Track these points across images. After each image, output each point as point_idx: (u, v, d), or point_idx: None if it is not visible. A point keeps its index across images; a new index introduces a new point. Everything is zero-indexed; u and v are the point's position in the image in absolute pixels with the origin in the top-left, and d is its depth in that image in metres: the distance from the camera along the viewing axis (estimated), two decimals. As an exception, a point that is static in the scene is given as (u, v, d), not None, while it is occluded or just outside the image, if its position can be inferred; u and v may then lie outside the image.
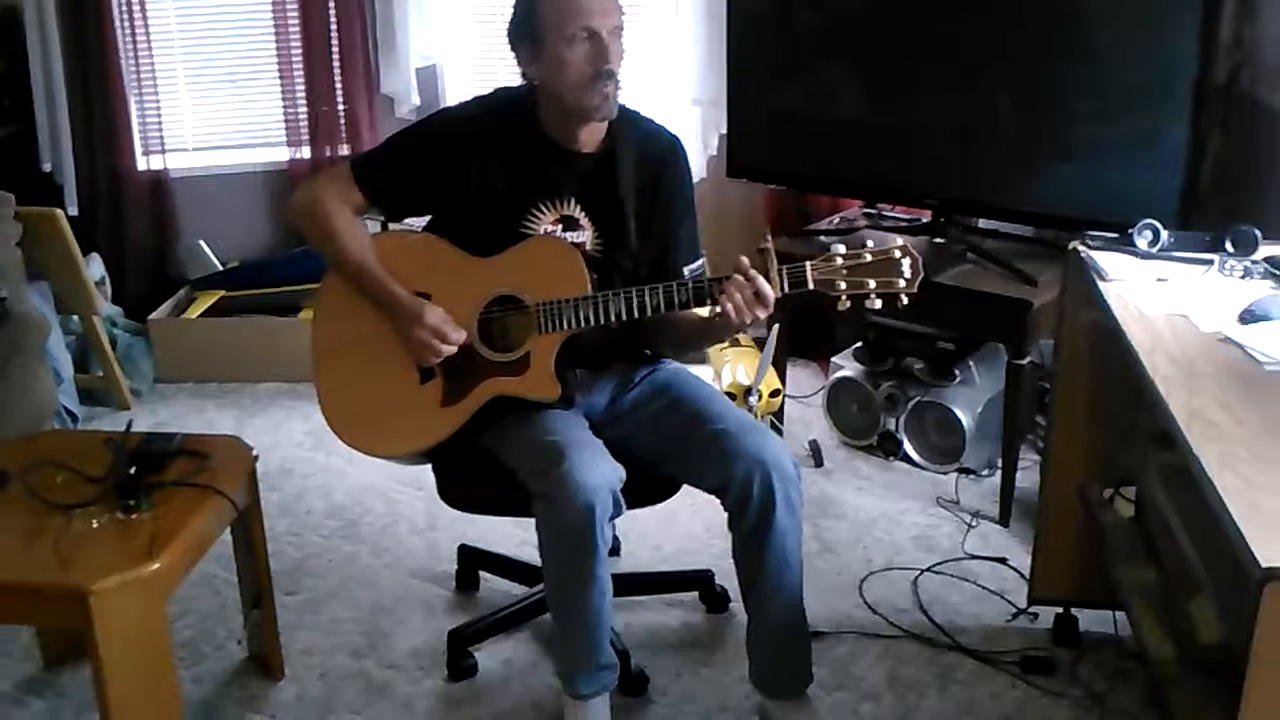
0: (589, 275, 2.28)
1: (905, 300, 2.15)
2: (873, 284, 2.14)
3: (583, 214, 2.38)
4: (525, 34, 2.26)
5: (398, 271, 2.35)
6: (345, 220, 2.37)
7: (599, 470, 2.18)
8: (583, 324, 2.25)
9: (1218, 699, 1.88)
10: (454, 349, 2.30)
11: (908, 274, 2.14)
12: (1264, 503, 1.52)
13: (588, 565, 2.21)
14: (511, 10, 2.29)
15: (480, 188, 2.33)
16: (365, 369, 2.39)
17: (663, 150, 2.42)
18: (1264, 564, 1.39)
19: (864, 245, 2.17)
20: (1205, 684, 1.95)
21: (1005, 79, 3.12)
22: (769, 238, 2.20)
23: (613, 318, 2.24)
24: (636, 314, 2.22)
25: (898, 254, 2.14)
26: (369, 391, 2.39)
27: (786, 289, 2.16)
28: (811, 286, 2.15)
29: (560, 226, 2.37)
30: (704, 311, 2.24)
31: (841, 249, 2.15)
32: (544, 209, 2.36)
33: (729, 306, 2.15)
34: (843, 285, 2.14)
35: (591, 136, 2.34)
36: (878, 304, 2.15)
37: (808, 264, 2.15)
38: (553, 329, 2.27)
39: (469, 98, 2.47)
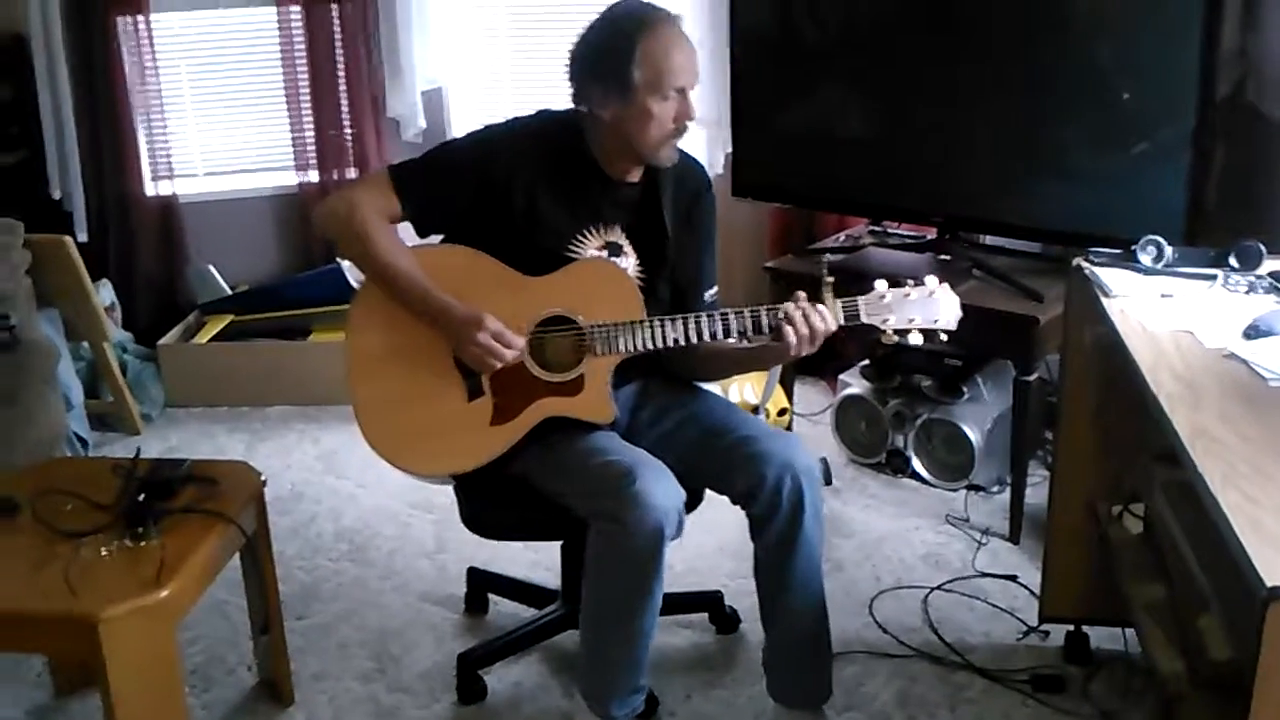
0: (642, 299, 2.30)
1: (944, 337, 2.25)
2: (918, 319, 2.23)
3: (627, 241, 2.40)
4: (611, 78, 2.25)
5: (442, 285, 2.29)
6: (385, 230, 2.31)
7: (667, 491, 2.19)
8: (639, 348, 2.27)
9: (1227, 717, 1.88)
10: (516, 355, 2.27)
11: (947, 310, 2.24)
12: (1267, 520, 1.51)
13: (649, 587, 2.23)
14: (585, 43, 2.29)
15: (526, 211, 2.32)
16: (409, 385, 2.34)
17: (698, 181, 2.48)
18: (1268, 583, 1.39)
19: (905, 283, 2.25)
20: (1214, 701, 1.94)
21: (1009, 95, 3.12)
22: (828, 271, 2.24)
23: (669, 343, 2.26)
24: (694, 340, 2.25)
25: (937, 291, 2.24)
26: (414, 409, 2.34)
27: (843, 320, 2.23)
28: (864, 320, 2.22)
29: (606, 252, 2.38)
30: (759, 340, 2.28)
31: (884, 284, 2.23)
32: (590, 234, 2.37)
33: (791, 338, 2.19)
34: (891, 319, 2.22)
35: (636, 166, 2.37)
36: (919, 340, 2.23)
37: (860, 300, 2.22)
38: (609, 351, 2.28)
39: (510, 117, 2.41)
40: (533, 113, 2.41)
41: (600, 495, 2.20)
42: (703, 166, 2.52)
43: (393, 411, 2.35)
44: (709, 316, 2.24)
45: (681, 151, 2.42)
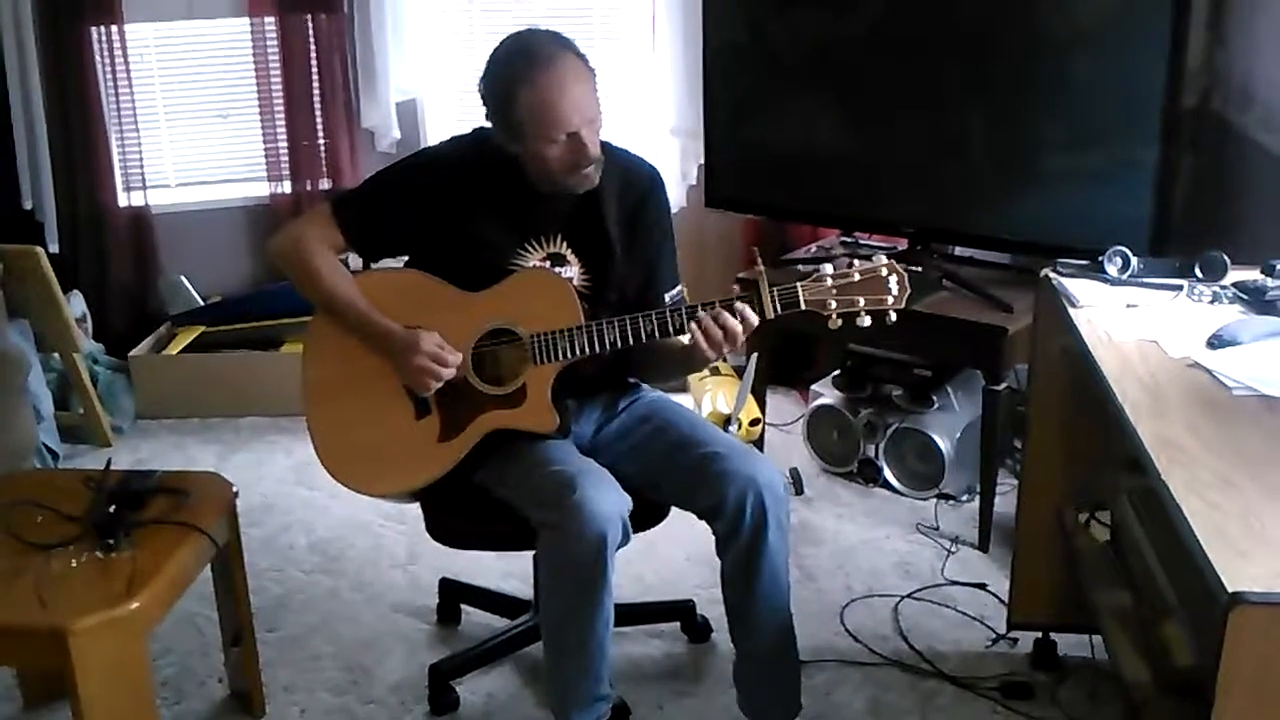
0: (580, 306, 2.30)
1: (894, 316, 2.19)
2: (862, 301, 2.18)
3: (569, 251, 2.40)
4: (499, 121, 2.27)
5: (385, 308, 2.35)
6: (328, 261, 2.38)
7: (610, 499, 2.19)
8: (578, 354, 2.27)
9: (1192, 722, 1.90)
10: (453, 372, 2.30)
11: (895, 290, 2.19)
12: (1229, 527, 1.53)
13: (596, 595, 2.22)
14: (481, 82, 2.28)
15: (467, 229, 2.34)
16: (359, 409, 2.39)
17: (643, 181, 2.46)
18: (1230, 588, 1.40)
19: (851, 265, 2.21)
20: (1178, 707, 1.96)
21: (979, 109, 3.15)
22: (760, 262, 2.22)
23: (607, 346, 2.25)
24: (630, 341, 2.24)
25: (885, 271, 2.19)
26: (364, 431, 2.38)
27: (780, 310, 2.19)
28: (804, 307, 2.19)
29: (549, 263, 2.39)
30: (686, 339, 2.26)
31: (830, 269, 2.19)
32: (531, 247, 2.38)
33: (699, 337, 2.19)
34: (833, 304, 2.18)
35: None
36: (867, 321, 2.18)
37: (799, 285, 2.19)
38: (548, 360, 2.28)
39: (448, 138, 2.48)
40: (469, 131, 2.42)
41: (544, 505, 2.22)
42: (650, 165, 2.49)
43: (345, 435, 2.39)
44: (644, 317, 2.23)
45: (625, 153, 2.45)
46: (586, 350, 2.26)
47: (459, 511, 2.44)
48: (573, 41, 2.26)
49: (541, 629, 2.39)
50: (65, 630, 2.00)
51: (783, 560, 2.32)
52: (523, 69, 2.21)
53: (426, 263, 2.41)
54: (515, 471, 2.32)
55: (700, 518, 2.35)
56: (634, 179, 2.44)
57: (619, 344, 2.25)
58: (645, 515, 2.41)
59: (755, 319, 2.19)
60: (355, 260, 2.54)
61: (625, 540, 2.21)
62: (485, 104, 2.29)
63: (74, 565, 2.17)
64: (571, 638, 2.28)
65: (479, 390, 2.33)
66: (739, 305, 2.19)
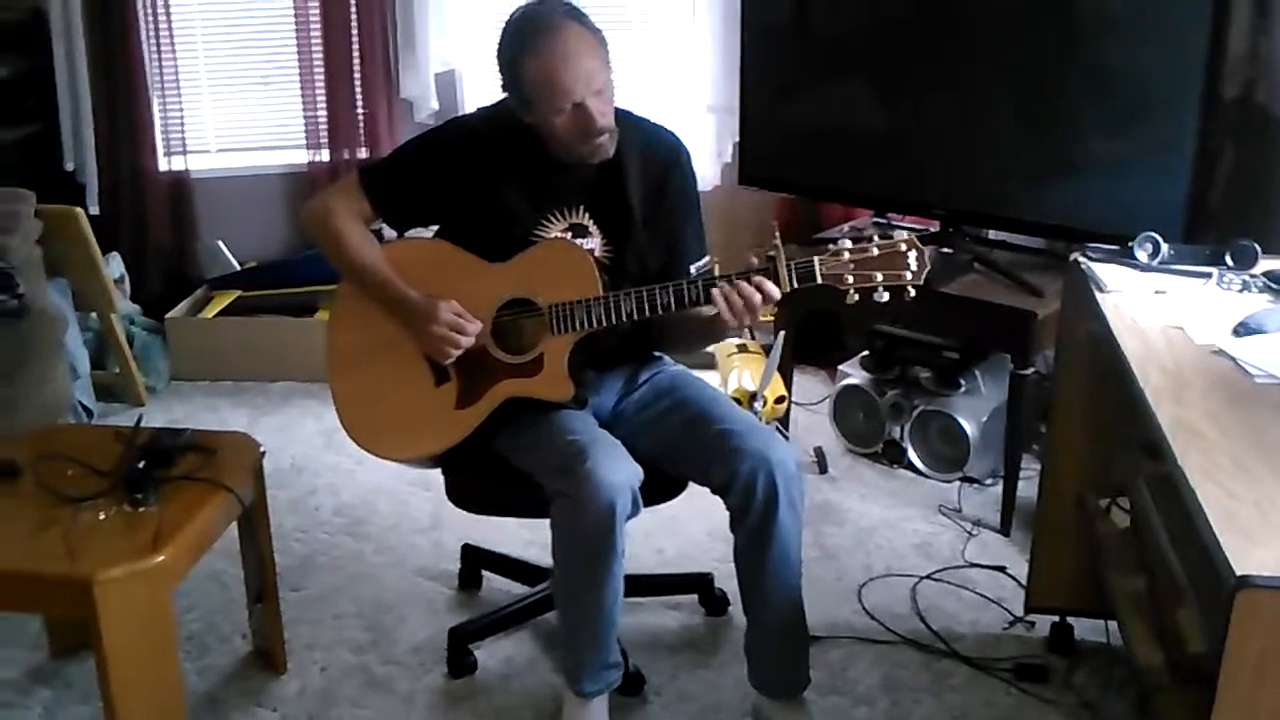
0: (599, 277, 2.31)
1: (912, 292, 2.17)
2: (880, 277, 2.16)
3: (591, 221, 2.41)
4: (512, 92, 2.29)
5: (409, 277, 2.38)
6: (355, 229, 2.40)
7: (621, 469, 2.21)
8: (595, 324, 2.28)
9: (1202, 708, 1.89)
10: (471, 341, 2.32)
11: (914, 266, 2.16)
12: (1243, 513, 1.53)
13: (605, 563, 2.24)
14: (496, 54, 2.29)
15: (490, 199, 2.36)
16: (381, 374, 2.42)
17: (667, 153, 2.45)
18: (1238, 571, 1.41)
19: (871, 239, 2.19)
20: (1191, 692, 1.96)
21: (1015, 91, 3.14)
22: (778, 236, 2.22)
23: (624, 317, 2.26)
24: (648, 313, 2.25)
25: (904, 247, 2.16)
26: (385, 397, 2.42)
27: (796, 284, 2.18)
28: (820, 280, 2.18)
29: (570, 234, 2.40)
30: (709, 309, 2.26)
31: (848, 243, 2.18)
32: (554, 218, 2.39)
33: (721, 305, 2.19)
34: (850, 279, 2.17)
35: None
36: (885, 296, 2.17)
37: (815, 259, 2.17)
38: (566, 330, 2.30)
39: (476, 109, 2.51)
40: (494, 102, 2.42)
41: (556, 473, 2.24)
42: (675, 137, 2.48)
43: (366, 401, 2.43)
44: (661, 288, 2.23)
45: (651, 124, 2.45)
46: (604, 321, 2.27)
47: (479, 478, 2.47)
48: (582, 12, 2.26)
49: (554, 596, 2.42)
50: (91, 580, 2.04)
51: (794, 538, 2.33)
52: (529, 39, 2.22)
53: (454, 232, 2.43)
54: (531, 440, 2.35)
55: (714, 493, 2.36)
56: (658, 151, 2.44)
57: (636, 315, 2.25)
58: (662, 488, 2.43)
59: (776, 291, 2.18)
60: (389, 231, 2.57)
61: (635, 511, 2.23)
62: (500, 75, 2.30)
63: (102, 518, 2.21)
64: (582, 605, 2.31)
65: (497, 359, 2.36)
66: (757, 277, 2.18)
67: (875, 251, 2.17)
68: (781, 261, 2.18)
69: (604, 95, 2.25)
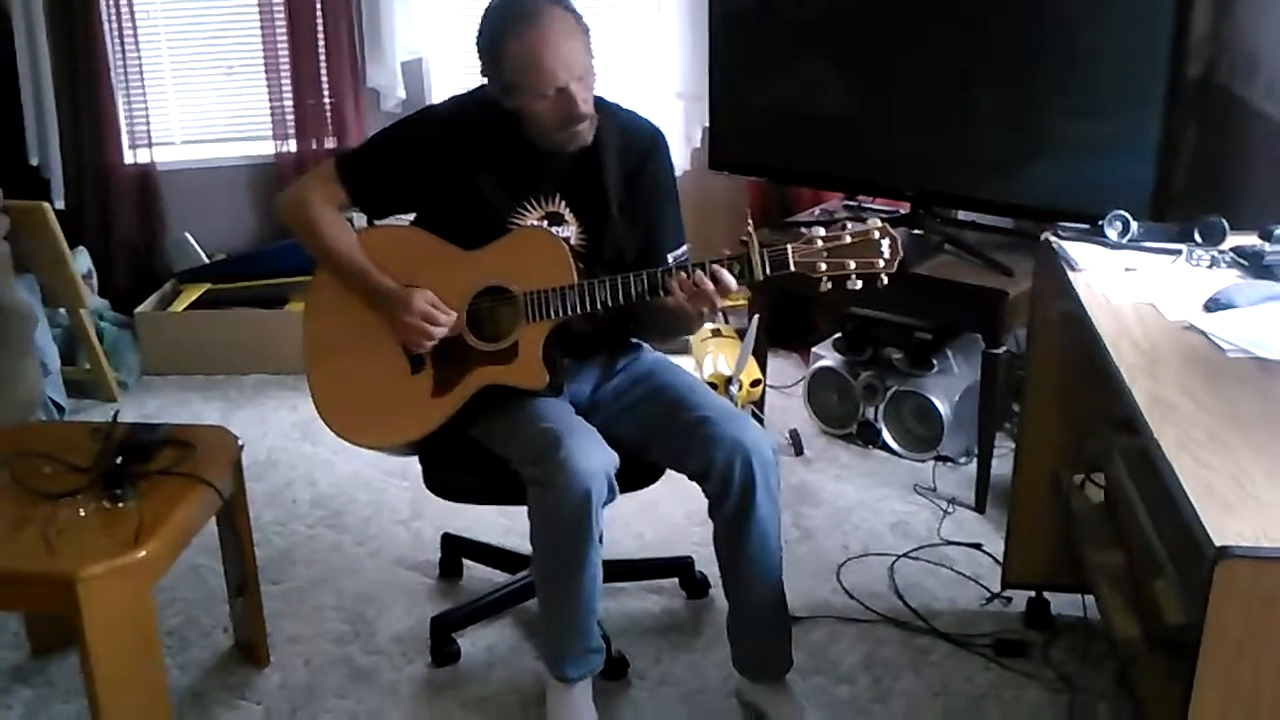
0: (574, 265, 2.31)
1: (885, 280, 2.18)
2: (853, 264, 2.17)
3: (567, 209, 2.41)
4: (492, 77, 2.28)
5: (385, 265, 2.38)
6: (330, 217, 2.40)
7: (595, 456, 2.21)
8: (570, 312, 2.28)
9: (1179, 677, 1.92)
10: (445, 331, 2.33)
11: (887, 254, 2.17)
12: (1219, 485, 1.55)
13: (582, 550, 2.25)
14: (476, 39, 2.28)
15: (466, 187, 2.36)
16: (357, 362, 2.42)
17: (644, 141, 2.45)
18: (1217, 542, 1.43)
19: (844, 227, 2.20)
20: (1168, 663, 2.00)
21: (983, 73, 3.16)
22: (750, 224, 2.23)
23: (599, 305, 2.27)
24: (622, 300, 2.25)
25: (876, 234, 2.17)
26: (361, 384, 2.42)
27: (769, 271, 2.18)
28: (793, 268, 2.18)
29: (546, 222, 2.40)
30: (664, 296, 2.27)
31: (821, 231, 2.18)
32: (530, 206, 2.39)
33: (678, 293, 2.20)
34: (823, 266, 2.17)
35: None
36: (858, 284, 2.17)
37: (789, 246, 2.18)
38: (540, 318, 2.30)
39: (451, 96, 2.50)
40: (471, 90, 2.42)
41: (532, 461, 2.25)
42: (652, 125, 2.48)
43: (341, 387, 2.43)
44: (635, 276, 2.24)
45: (627, 112, 2.45)
46: (578, 308, 2.28)
47: (456, 465, 2.47)
48: None
49: (534, 582, 2.43)
50: (74, 577, 2.03)
51: (772, 522, 2.34)
52: (511, 24, 2.21)
53: (430, 220, 2.43)
54: (507, 427, 2.35)
55: (691, 480, 2.37)
56: (635, 139, 2.44)
57: (610, 303, 2.26)
58: (639, 475, 2.44)
59: (731, 281, 2.18)
60: (361, 219, 2.56)
61: (612, 497, 2.24)
62: (480, 60, 2.29)
63: (82, 515, 2.20)
64: (561, 591, 2.32)
65: (472, 346, 2.36)
66: (713, 267, 2.19)
67: (848, 239, 2.17)
68: (755, 249, 2.18)
69: (586, 81, 2.25)
